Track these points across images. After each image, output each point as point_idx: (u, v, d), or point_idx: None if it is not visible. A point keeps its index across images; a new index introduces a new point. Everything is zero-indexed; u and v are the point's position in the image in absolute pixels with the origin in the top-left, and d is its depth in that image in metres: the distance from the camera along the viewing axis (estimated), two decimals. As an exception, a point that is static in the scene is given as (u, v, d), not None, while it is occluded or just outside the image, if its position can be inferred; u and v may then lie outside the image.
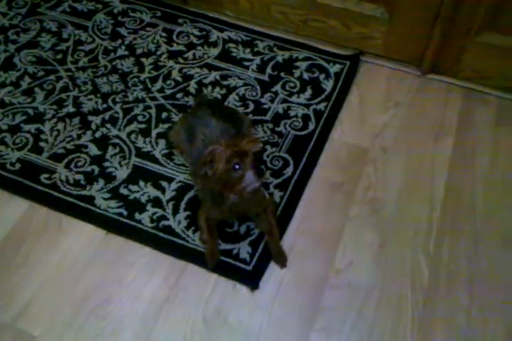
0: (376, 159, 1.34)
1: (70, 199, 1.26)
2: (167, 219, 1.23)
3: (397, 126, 1.41)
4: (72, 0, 1.72)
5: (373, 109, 1.45)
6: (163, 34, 1.63)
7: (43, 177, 1.30)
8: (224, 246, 1.18)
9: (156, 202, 1.25)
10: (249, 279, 1.14)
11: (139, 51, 1.58)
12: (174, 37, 1.63)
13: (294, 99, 1.47)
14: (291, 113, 1.44)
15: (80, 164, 1.32)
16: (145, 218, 1.23)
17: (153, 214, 1.24)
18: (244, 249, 1.18)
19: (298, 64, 1.55)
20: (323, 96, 1.47)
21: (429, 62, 1.49)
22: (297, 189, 1.28)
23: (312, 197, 1.27)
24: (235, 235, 1.20)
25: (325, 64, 1.55)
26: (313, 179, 1.30)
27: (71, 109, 1.44)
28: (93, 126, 1.40)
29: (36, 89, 1.48)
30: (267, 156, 1.34)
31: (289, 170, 1.31)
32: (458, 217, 1.23)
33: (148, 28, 1.65)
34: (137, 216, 1.23)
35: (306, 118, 1.42)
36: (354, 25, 1.52)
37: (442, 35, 1.40)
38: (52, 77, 1.51)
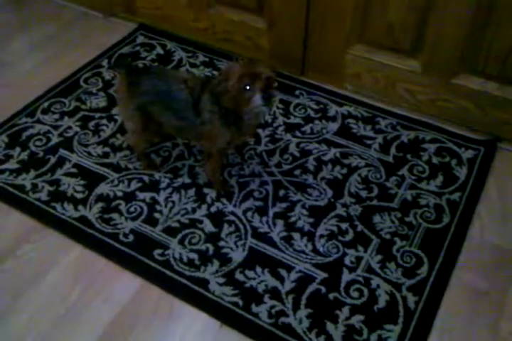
0: (528, 266, 1.17)
1: (183, 280, 1.17)
2: (287, 316, 1.11)
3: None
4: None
5: (517, 206, 1.30)
6: (280, 105, 1.61)
7: (156, 252, 1.23)
8: (352, 357, 1.04)
9: (275, 294, 1.14)
10: None
11: (255, 122, 1.56)
12: (291, 109, 1.59)
13: (423, 185, 1.35)
14: (422, 201, 1.31)
15: (194, 241, 1.26)
16: (262, 312, 1.11)
17: (272, 307, 1.12)
18: (376, 365, 1.03)
19: (425, 146, 1.45)
20: (456, 185, 1.34)
21: None
22: (435, 294, 1.12)
23: (452, 305, 1.11)
24: (365, 345, 1.06)
25: (456, 148, 1.44)
26: (453, 283, 1.14)
27: (186, 179, 1.41)
28: (208, 200, 1.35)
29: (152, 155, 1.47)
30: (397, 251, 1.21)
31: (424, 270, 1.17)
32: None
33: (264, 98, 1.63)
34: (254, 308, 1.12)
35: (439, 209, 1.29)
36: (492, 109, 1.41)
37: None
38: (168, 143, 1.51)
